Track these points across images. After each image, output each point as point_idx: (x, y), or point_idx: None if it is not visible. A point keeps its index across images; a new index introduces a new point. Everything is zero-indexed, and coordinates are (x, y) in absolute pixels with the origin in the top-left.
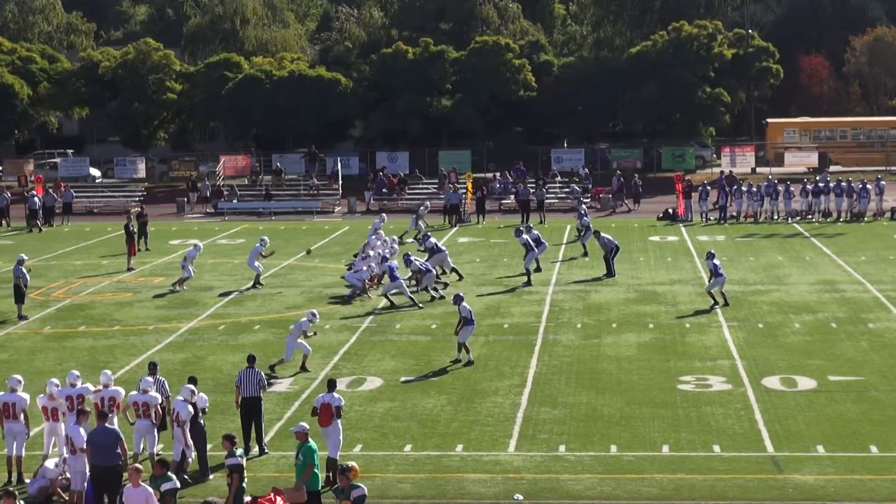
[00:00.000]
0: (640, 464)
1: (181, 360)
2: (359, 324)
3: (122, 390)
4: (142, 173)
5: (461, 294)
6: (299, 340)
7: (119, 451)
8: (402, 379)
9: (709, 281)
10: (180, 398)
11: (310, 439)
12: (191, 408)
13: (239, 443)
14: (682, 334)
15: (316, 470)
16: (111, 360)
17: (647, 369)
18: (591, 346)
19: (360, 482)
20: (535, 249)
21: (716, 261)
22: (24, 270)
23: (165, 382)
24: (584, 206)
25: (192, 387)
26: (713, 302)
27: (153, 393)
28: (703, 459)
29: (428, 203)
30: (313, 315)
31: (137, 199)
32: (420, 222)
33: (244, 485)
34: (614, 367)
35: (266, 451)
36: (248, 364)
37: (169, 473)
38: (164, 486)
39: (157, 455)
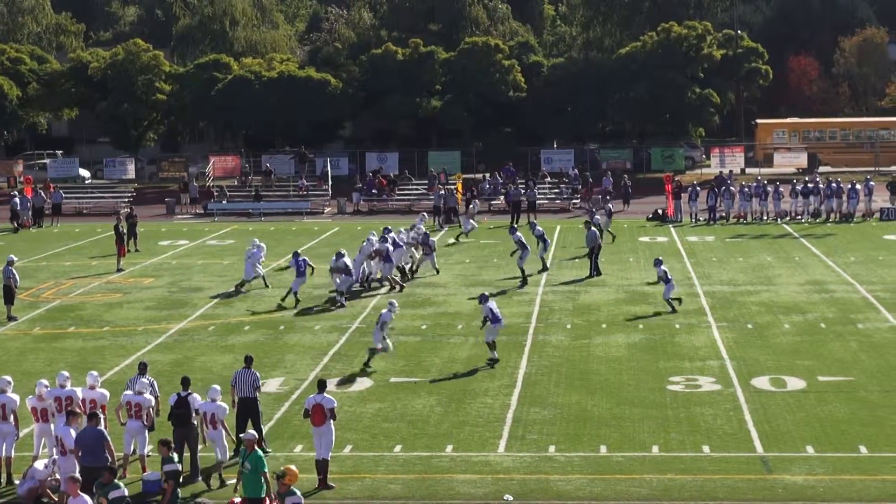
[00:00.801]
0: (629, 464)
1: (171, 361)
2: (348, 324)
3: (106, 393)
4: (131, 174)
5: (486, 294)
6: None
7: (106, 452)
8: (392, 379)
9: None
10: (209, 400)
11: (256, 448)
12: (225, 406)
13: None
14: (671, 335)
15: (262, 478)
16: (100, 361)
17: (637, 370)
18: (580, 347)
19: (352, 483)
20: (528, 248)
21: (664, 267)
22: (14, 271)
23: (155, 383)
24: (609, 205)
25: (217, 387)
26: (671, 309)
27: (147, 395)
28: (692, 460)
29: (476, 202)
30: (393, 305)
31: (127, 200)
32: (472, 221)
33: (178, 491)
34: (604, 368)
35: (268, 451)
36: (245, 364)
37: (116, 481)
38: (112, 494)
39: (149, 455)
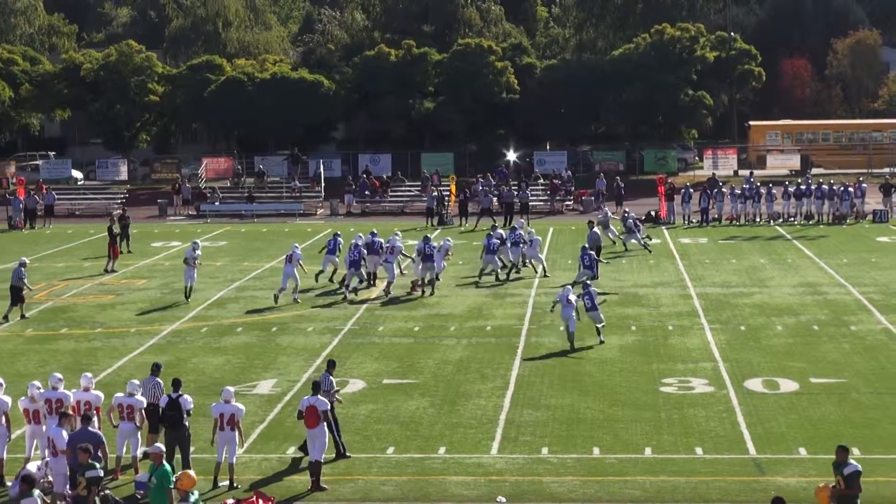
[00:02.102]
0: (622, 466)
1: (164, 363)
2: (341, 326)
3: (100, 394)
4: (124, 175)
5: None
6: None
7: (100, 453)
8: (385, 381)
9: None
10: (222, 401)
11: (164, 462)
12: (242, 407)
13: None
14: (664, 337)
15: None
16: (93, 363)
17: (630, 371)
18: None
19: (345, 485)
20: (504, 246)
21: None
22: (24, 271)
23: (162, 384)
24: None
25: (231, 388)
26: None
27: (139, 396)
28: (685, 461)
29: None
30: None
31: (119, 201)
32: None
33: (97, 498)
34: (597, 370)
35: (347, 455)
36: (326, 369)
37: (92, 461)
38: (89, 474)
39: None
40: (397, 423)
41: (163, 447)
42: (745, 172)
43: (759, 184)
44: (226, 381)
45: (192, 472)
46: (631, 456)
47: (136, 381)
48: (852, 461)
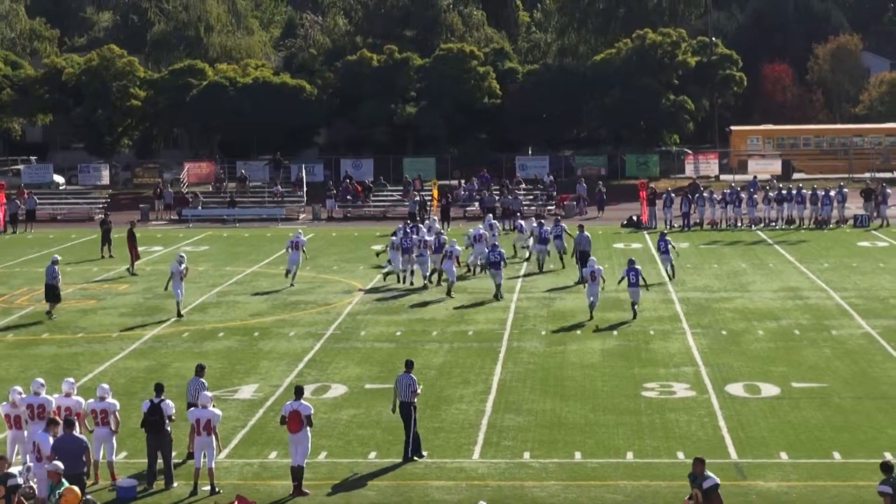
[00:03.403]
0: (604, 470)
1: (145, 368)
2: (323, 331)
3: (81, 400)
4: (105, 180)
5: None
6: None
7: (84, 458)
8: (367, 386)
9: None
10: (200, 406)
11: (63, 480)
12: (219, 412)
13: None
14: (646, 341)
15: None
16: (75, 368)
17: (612, 376)
18: (555, 354)
19: (327, 490)
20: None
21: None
22: (57, 270)
23: (206, 384)
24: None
25: (209, 394)
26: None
27: (110, 400)
28: (667, 466)
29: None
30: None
31: (101, 206)
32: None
33: None
34: (579, 374)
35: (416, 455)
36: (406, 369)
37: (10, 470)
38: (9, 482)
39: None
40: (379, 428)
41: (61, 465)
42: (748, 177)
43: (739, 188)
44: (208, 387)
45: (76, 488)
46: (613, 460)
47: (106, 385)
48: (710, 473)
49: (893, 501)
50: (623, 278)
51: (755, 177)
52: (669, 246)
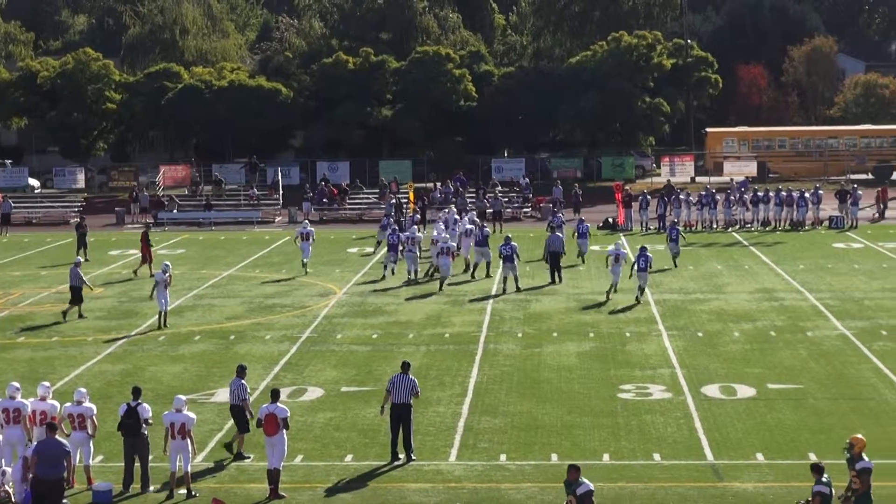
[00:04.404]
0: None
1: (121, 371)
2: (299, 334)
3: (56, 404)
4: (81, 183)
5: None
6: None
7: (65, 463)
8: (343, 389)
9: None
10: (174, 410)
11: None
12: (193, 416)
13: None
14: (622, 343)
15: None
16: (50, 372)
17: (588, 378)
18: (531, 356)
19: (303, 492)
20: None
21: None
22: (80, 272)
23: (247, 386)
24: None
25: (183, 397)
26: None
27: (87, 404)
28: (643, 468)
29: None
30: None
31: (76, 209)
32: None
33: None
34: (555, 377)
35: (413, 458)
36: (402, 370)
37: None
38: None
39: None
40: (356, 431)
41: None
42: (725, 179)
43: (714, 190)
44: (183, 390)
45: None
46: (589, 462)
47: (83, 389)
48: (584, 480)
49: (824, 501)
50: (634, 263)
51: (746, 178)
52: (648, 263)
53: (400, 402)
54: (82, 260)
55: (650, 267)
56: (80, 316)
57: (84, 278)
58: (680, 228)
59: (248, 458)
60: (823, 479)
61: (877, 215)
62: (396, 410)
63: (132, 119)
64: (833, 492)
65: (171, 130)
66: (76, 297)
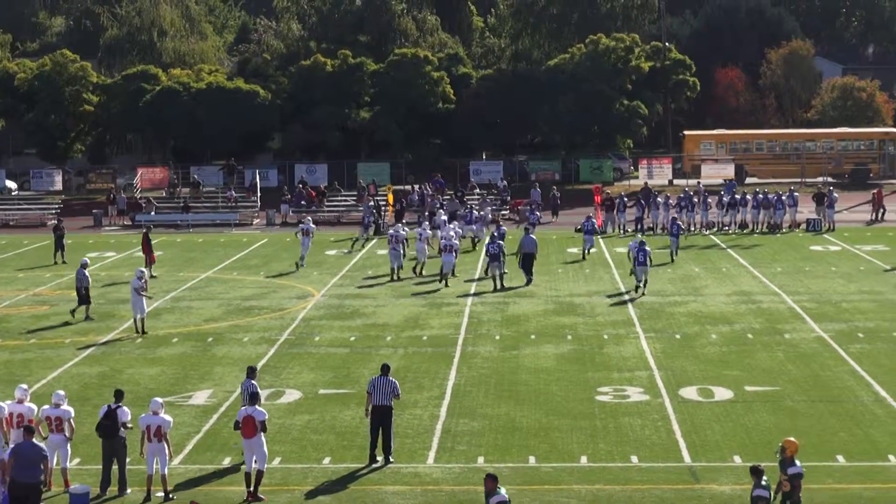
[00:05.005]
0: (558, 475)
1: (98, 374)
2: (277, 336)
3: (34, 407)
4: (58, 186)
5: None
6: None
7: (42, 466)
8: (321, 391)
9: None
10: (150, 413)
11: None
12: (170, 419)
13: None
14: (599, 346)
15: None
16: (27, 374)
17: (566, 381)
18: (509, 358)
19: (281, 495)
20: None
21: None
22: (87, 274)
23: (258, 388)
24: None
25: (159, 399)
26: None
27: (65, 406)
28: (620, 470)
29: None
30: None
31: (54, 211)
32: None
33: None
34: (533, 379)
35: (392, 460)
36: (381, 372)
37: None
38: None
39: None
40: (334, 433)
41: None
42: (705, 181)
43: (692, 193)
44: (161, 392)
45: None
46: (567, 465)
47: (62, 392)
48: (501, 489)
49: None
50: (633, 257)
51: (733, 180)
52: (647, 257)
53: (380, 404)
54: (88, 261)
55: (650, 261)
56: (87, 317)
57: (90, 280)
58: (681, 224)
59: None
60: (763, 483)
61: (874, 217)
62: (377, 413)
63: (110, 121)
64: (772, 495)
65: (148, 132)
66: (84, 297)
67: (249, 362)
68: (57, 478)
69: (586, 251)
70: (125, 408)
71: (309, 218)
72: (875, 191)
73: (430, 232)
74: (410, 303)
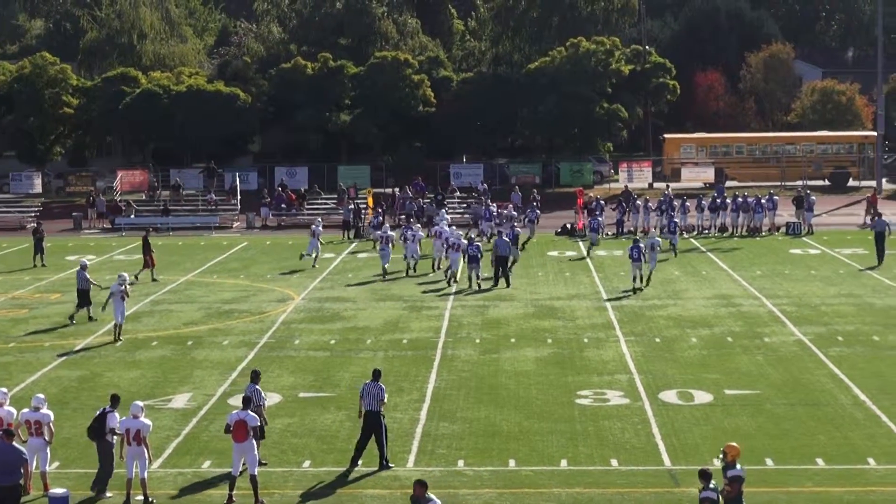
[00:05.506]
0: (538, 478)
1: (78, 377)
2: (257, 339)
3: (13, 410)
4: (38, 188)
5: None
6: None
7: (21, 470)
8: (301, 395)
9: None
10: (130, 416)
11: None
12: (149, 422)
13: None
14: (580, 349)
15: None
16: (6, 378)
17: (546, 384)
18: (489, 362)
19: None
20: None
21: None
22: (87, 275)
23: (262, 392)
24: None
25: (140, 403)
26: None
27: (45, 410)
28: (600, 473)
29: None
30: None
31: (33, 214)
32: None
33: None
34: (513, 382)
35: (390, 465)
36: (373, 378)
37: None
38: None
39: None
40: (313, 437)
41: None
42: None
43: (672, 196)
44: (140, 396)
45: None
46: (547, 468)
47: (42, 396)
48: (431, 496)
49: None
50: (629, 254)
51: (721, 184)
52: (641, 254)
53: (369, 409)
54: (88, 263)
55: (644, 258)
56: (91, 319)
57: (90, 281)
58: (677, 221)
59: (265, 463)
60: (710, 486)
61: (868, 221)
62: (367, 418)
63: (89, 124)
64: (720, 498)
65: (128, 135)
66: (84, 300)
67: (229, 366)
68: (36, 481)
69: (590, 250)
70: (116, 414)
71: (319, 219)
72: (869, 194)
73: (422, 233)
74: (390, 306)
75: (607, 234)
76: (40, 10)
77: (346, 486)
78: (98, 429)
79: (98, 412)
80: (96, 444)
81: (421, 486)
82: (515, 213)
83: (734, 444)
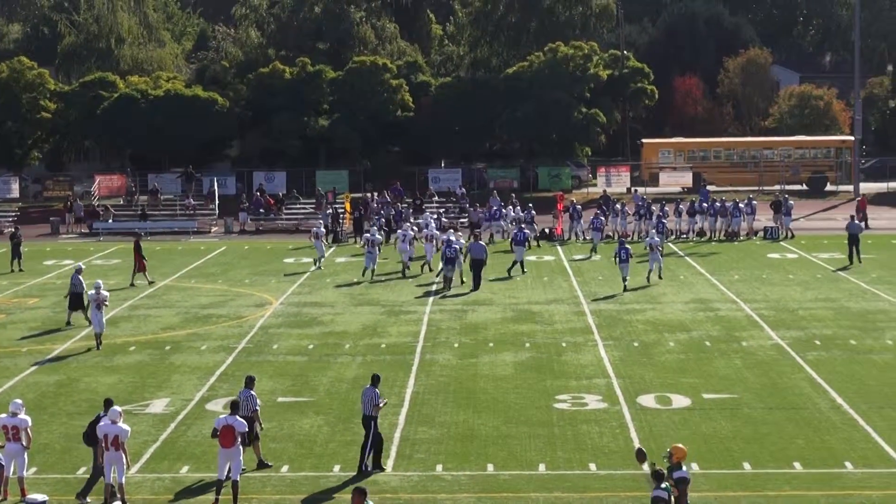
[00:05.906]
0: (516, 482)
1: (55, 382)
2: (235, 344)
3: None
4: (15, 193)
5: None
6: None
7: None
8: (279, 399)
9: None
10: (109, 421)
11: None
12: (128, 428)
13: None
14: (558, 353)
15: None
16: None
17: (524, 388)
18: (468, 366)
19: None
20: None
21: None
22: (81, 279)
23: (256, 397)
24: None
25: (118, 408)
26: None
27: (23, 416)
28: (579, 478)
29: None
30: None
31: (11, 219)
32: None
33: None
34: (491, 387)
35: (383, 468)
36: (371, 383)
37: None
38: None
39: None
40: (292, 442)
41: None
42: (663, 189)
43: (650, 201)
44: (118, 401)
45: None
46: (525, 472)
47: (19, 401)
48: (371, 502)
49: None
50: (616, 255)
51: (705, 187)
52: (629, 255)
53: (364, 413)
54: (83, 266)
55: (631, 258)
56: (68, 324)
57: (83, 284)
58: (666, 222)
59: (269, 465)
60: (662, 486)
61: (864, 225)
62: (363, 422)
63: (67, 128)
64: (672, 498)
65: (106, 140)
66: (76, 303)
67: (207, 371)
68: (13, 487)
69: (592, 250)
70: (107, 420)
71: (321, 222)
72: (859, 198)
73: (412, 233)
74: (369, 311)
75: (585, 239)
76: (18, 15)
77: (324, 491)
78: (90, 435)
79: (97, 416)
80: (93, 449)
81: (360, 493)
82: (523, 215)
83: (681, 445)
